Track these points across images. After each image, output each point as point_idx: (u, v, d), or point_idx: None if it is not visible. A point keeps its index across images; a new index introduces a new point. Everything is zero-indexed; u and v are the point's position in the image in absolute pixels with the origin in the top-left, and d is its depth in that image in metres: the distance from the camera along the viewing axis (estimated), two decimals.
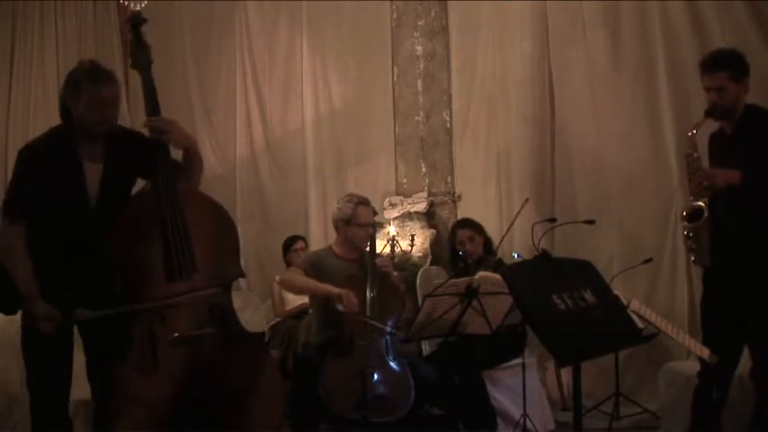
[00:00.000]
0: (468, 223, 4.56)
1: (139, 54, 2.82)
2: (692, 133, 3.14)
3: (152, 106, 2.76)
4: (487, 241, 4.52)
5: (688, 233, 3.13)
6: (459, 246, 4.42)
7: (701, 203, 3.05)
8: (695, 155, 3.13)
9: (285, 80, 6.32)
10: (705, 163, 3.20)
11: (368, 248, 3.83)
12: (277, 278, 5.00)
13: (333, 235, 4.12)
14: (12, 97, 6.64)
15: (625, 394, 4.42)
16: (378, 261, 3.80)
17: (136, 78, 2.85)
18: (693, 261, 3.24)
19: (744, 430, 3.20)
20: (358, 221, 3.80)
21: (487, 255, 4.44)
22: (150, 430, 2.49)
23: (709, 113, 3.12)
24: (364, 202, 3.88)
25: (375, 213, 3.99)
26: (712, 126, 3.28)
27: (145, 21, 2.86)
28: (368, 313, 3.57)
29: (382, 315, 3.60)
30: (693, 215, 3.08)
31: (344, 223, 3.82)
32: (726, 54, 3.19)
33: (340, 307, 3.51)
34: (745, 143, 3.09)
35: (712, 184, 3.04)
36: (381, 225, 5.52)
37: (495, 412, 4.03)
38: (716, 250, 3.10)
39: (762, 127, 3.08)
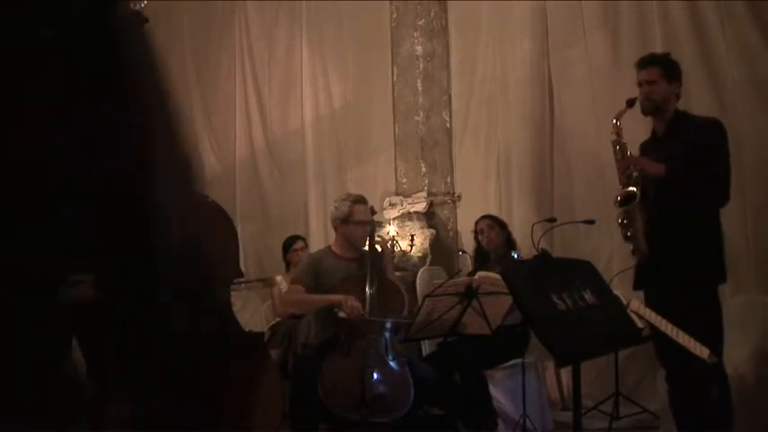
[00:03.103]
0: (489, 216, 4.68)
1: None
2: (616, 121, 3.27)
3: None
4: (509, 237, 4.57)
5: (622, 220, 3.20)
6: (479, 233, 4.49)
7: (632, 189, 3.14)
8: (622, 140, 3.25)
9: (285, 80, 6.33)
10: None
11: (366, 246, 3.84)
12: (280, 290, 5.01)
13: (333, 234, 4.12)
14: None
15: (625, 394, 4.42)
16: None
17: None
18: (632, 252, 3.26)
19: (742, 429, 3.20)
20: (355, 219, 3.81)
21: (510, 251, 4.49)
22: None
23: (631, 103, 3.27)
24: (360, 200, 3.90)
25: (374, 213, 3.99)
26: (641, 127, 3.41)
27: (146, 21, 2.86)
28: (367, 311, 3.57)
29: (382, 313, 3.61)
30: (625, 200, 3.17)
31: (342, 222, 3.83)
32: (662, 55, 3.40)
33: (342, 314, 3.51)
34: (672, 145, 3.20)
35: (641, 172, 3.15)
36: (381, 225, 5.52)
37: (496, 413, 4.03)
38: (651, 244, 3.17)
39: (689, 132, 3.19)
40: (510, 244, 4.53)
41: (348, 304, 3.50)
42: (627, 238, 3.23)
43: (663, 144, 3.26)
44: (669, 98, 3.24)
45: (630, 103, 3.28)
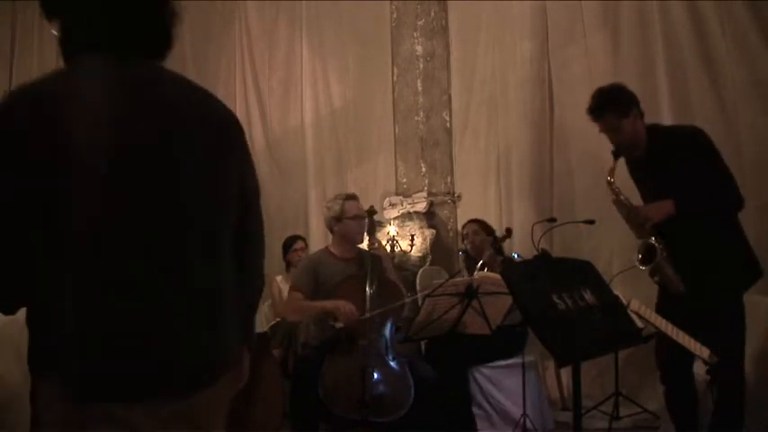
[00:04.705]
0: (476, 220, 4.73)
1: None
2: (610, 180, 3.21)
3: None
4: (496, 242, 4.59)
5: (651, 274, 3.16)
6: (465, 237, 4.57)
7: (651, 241, 3.10)
8: (622, 198, 3.20)
9: (285, 80, 6.33)
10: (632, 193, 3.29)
11: (366, 241, 3.85)
12: (280, 290, 5.01)
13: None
14: None
15: (625, 394, 4.42)
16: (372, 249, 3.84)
17: None
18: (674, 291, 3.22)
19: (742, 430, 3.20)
20: (348, 215, 3.84)
21: (497, 255, 4.50)
22: None
23: (616, 154, 3.22)
24: (351, 197, 3.96)
25: (374, 212, 3.99)
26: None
27: None
28: (367, 310, 3.57)
29: (382, 313, 3.60)
30: (647, 254, 3.13)
31: (336, 221, 3.86)
32: (604, 96, 3.24)
33: (338, 324, 3.51)
34: (659, 166, 3.15)
35: (652, 223, 3.09)
36: (381, 225, 5.52)
37: (474, 416, 4.08)
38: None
39: (668, 147, 3.13)
40: (497, 250, 4.55)
41: (342, 311, 3.50)
42: (659, 284, 3.22)
43: (650, 167, 3.23)
44: (635, 130, 3.18)
45: (617, 155, 3.23)
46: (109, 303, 1.32)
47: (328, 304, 3.57)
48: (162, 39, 1.58)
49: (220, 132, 1.56)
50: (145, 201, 1.38)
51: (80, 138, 1.31)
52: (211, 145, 1.51)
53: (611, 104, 3.19)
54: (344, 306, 3.50)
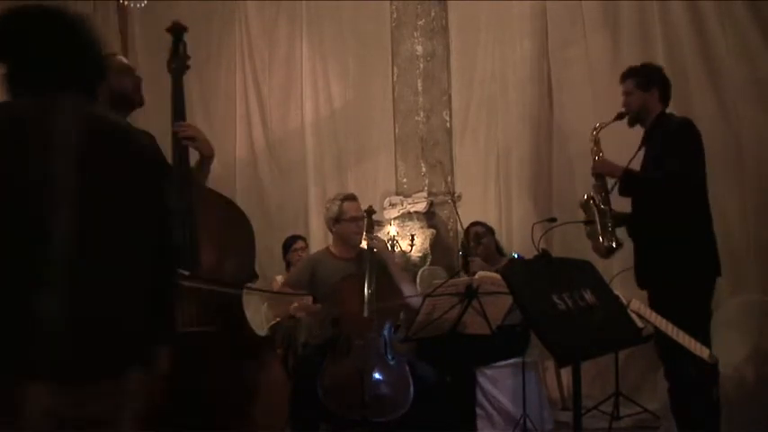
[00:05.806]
0: (480, 222, 4.75)
1: (178, 62, 2.90)
2: (595, 130, 3.53)
3: (179, 112, 2.82)
4: (497, 243, 4.62)
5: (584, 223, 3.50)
6: (474, 238, 4.56)
7: (590, 194, 3.45)
8: (599, 149, 3.50)
9: (285, 80, 6.33)
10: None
11: (365, 240, 3.85)
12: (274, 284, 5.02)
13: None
14: None
15: (625, 394, 4.42)
16: (371, 243, 3.84)
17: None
18: (594, 249, 3.50)
19: (741, 428, 3.20)
20: (346, 217, 3.84)
21: (500, 256, 4.52)
22: (146, 429, 2.48)
23: (620, 116, 3.48)
24: (350, 197, 3.95)
25: (374, 212, 3.99)
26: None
27: (185, 29, 2.93)
28: (366, 309, 3.57)
29: (381, 311, 3.60)
30: (585, 206, 3.49)
31: (334, 222, 3.87)
32: (639, 66, 3.52)
33: (298, 314, 3.74)
34: (649, 144, 3.40)
35: (594, 172, 3.47)
36: (381, 225, 5.52)
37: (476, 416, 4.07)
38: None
39: (663, 129, 3.34)
40: (498, 250, 4.57)
41: (299, 307, 3.74)
42: (588, 236, 3.52)
43: (645, 144, 3.43)
44: (646, 105, 3.39)
45: (620, 116, 3.46)
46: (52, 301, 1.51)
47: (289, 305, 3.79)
48: (95, 80, 1.77)
49: (149, 159, 1.81)
50: (93, 216, 1.60)
51: (46, 157, 1.55)
52: (140, 170, 1.75)
53: (636, 74, 3.43)
54: (300, 302, 3.71)
